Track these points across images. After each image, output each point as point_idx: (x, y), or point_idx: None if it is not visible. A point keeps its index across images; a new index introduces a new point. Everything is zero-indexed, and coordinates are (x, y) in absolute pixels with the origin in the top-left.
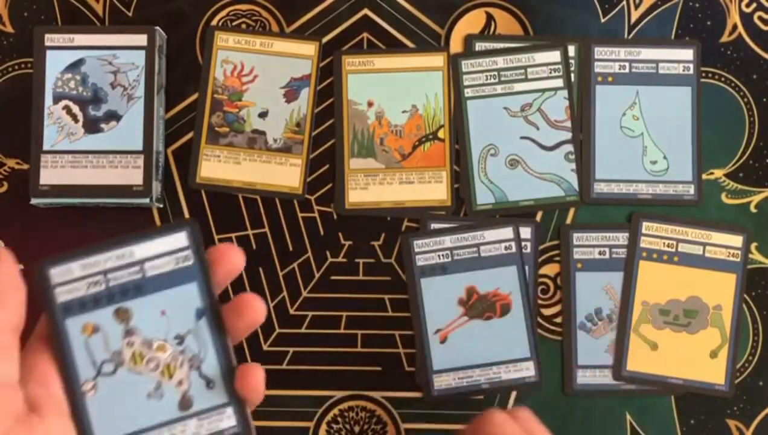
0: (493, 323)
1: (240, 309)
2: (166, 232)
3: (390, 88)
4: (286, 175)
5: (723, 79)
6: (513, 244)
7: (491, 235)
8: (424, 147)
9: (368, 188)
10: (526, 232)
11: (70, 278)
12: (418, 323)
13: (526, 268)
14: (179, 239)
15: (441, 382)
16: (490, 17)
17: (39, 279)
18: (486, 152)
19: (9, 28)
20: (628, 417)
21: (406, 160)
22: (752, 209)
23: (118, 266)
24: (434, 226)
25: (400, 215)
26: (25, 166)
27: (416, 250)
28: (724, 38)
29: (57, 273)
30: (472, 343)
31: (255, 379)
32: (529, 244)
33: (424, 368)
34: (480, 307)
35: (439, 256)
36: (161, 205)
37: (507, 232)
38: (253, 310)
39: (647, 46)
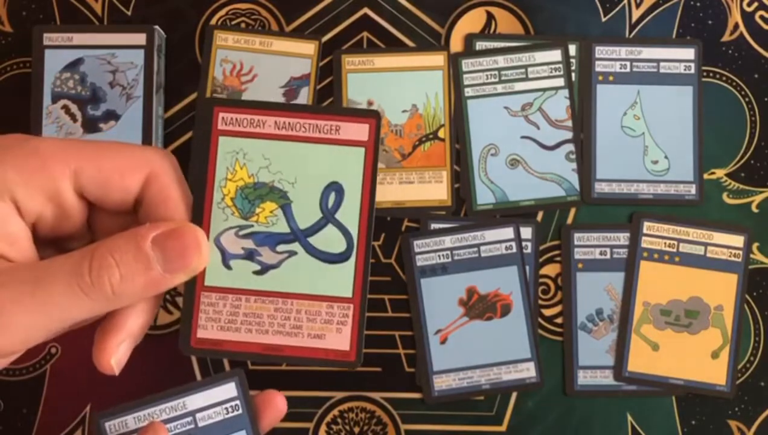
0: (493, 324)
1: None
2: (216, 383)
3: (390, 88)
4: None
5: (724, 78)
6: (513, 244)
7: (491, 235)
8: (424, 147)
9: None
10: (526, 232)
11: (125, 431)
12: (418, 323)
13: (527, 268)
14: (229, 390)
15: (441, 383)
16: (490, 16)
17: (95, 433)
18: (486, 152)
19: (8, 28)
20: (629, 418)
21: (406, 159)
22: (754, 209)
23: (171, 418)
24: (434, 226)
25: (400, 215)
26: None
27: (416, 250)
28: (726, 37)
29: (112, 426)
30: (472, 344)
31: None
32: (529, 244)
33: (424, 369)
34: (480, 307)
35: (439, 256)
36: None
37: (507, 232)
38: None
39: (648, 45)
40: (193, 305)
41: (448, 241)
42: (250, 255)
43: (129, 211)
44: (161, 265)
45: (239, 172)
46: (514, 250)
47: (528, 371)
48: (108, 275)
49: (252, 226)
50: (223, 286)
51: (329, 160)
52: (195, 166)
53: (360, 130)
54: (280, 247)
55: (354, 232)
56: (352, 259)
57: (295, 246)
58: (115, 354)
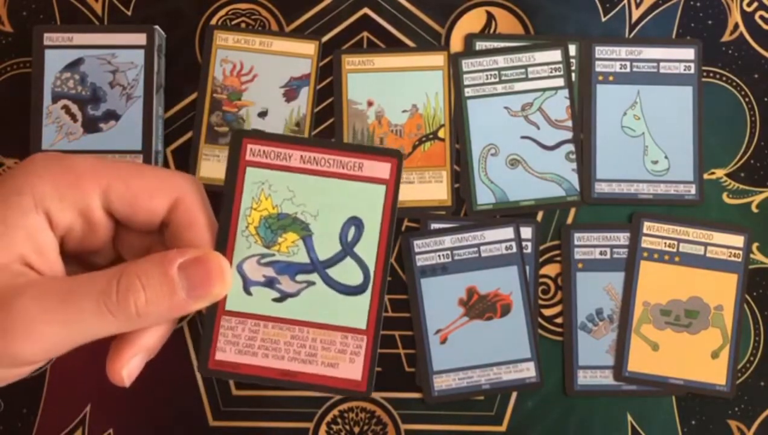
0: (493, 324)
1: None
2: None
3: (390, 88)
4: None
5: (724, 78)
6: (513, 244)
7: (492, 235)
8: (425, 147)
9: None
10: (526, 232)
11: None
12: (418, 323)
13: (527, 268)
14: None
15: (441, 383)
16: (490, 16)
17: None
18: (486, 152)
19: (8, 28)
20: (629, 418)
21: (406, 159)
22: (754, 209)
23: None
24: (434, 226)
25: (400, 215)
26: None
27: (416, 250)
28: (726, 37)
29: None
30: (472, 344)
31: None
32: (529, 244)
33: (424, 369)
34: (480, 307)
35: (439, 256)
36: None
37: (507, 232)
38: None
39: (648, 45)
40: (213, 328)
41: (448, 241)
42: (270, 283)
43: (154, 231)
44: (185, 290)
45: (264, 203)
46: (514, 250)
47: (528, 371)
48: (134, 298)
49: (273, 255)
50: (243, 311)
51: (351, 195)
52: (225, 198)
53: (382, 169)
54: (300, 277)
55: (371, 266)
56: (368, 292)
57: (314, 276)
58: (127, 366)
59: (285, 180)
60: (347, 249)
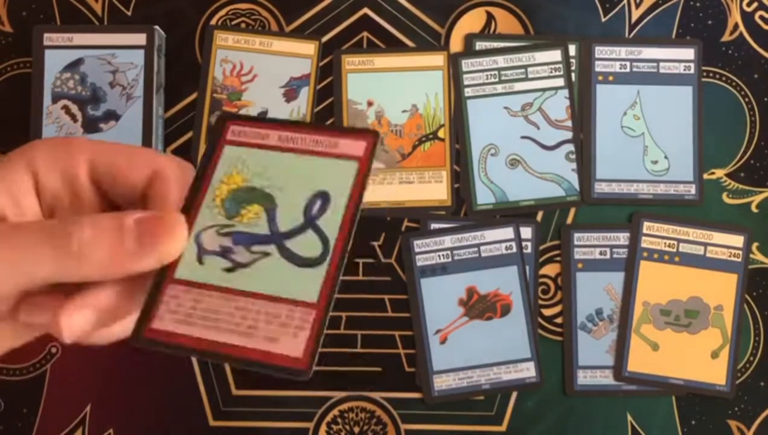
0: (493, 323)
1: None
2: None
3: (390, 88)
4: None
5: (724, 78)
6: (513, 244)
7: (491, 235)
8: (424, 147)
9: (368, 188)
10: (526, 232)
11: None
12: (418, 323)
13: (527, 268)
14: None
15: (441, 383)
16: (490, 16)
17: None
18: (486, 152)
19: (8, 28)
20: (629, 417)
21: (406, 159)
22: (753, 209)
23: None
24: (434, 226)
25: (400, 215)
26: None
27: (416, 250)
28: (725, 37)
29: None
30: (472, 344)
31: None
32: (529, 244)
33: (424, 369)
34: (480, 307)
35: (439, 256)
36: None
37: (507, 232)
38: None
39: (648, 45)
40: (157, 296)
41: (448, 241)
42: (224, 252)
43: (136, 203)
44: (133, 239)
45: (235, 177)
46: (514, 250)
47: (528, 371)
48: (78, 231)
49: (234, 226)
50: (191, 280)
51: (322, 170)
52: (198, 171)
53: (356, 146)
54: (255, 247)
55: (332, 239)
56: (325, 264)
57: (270, 248)
58: (71, 317)
59: (259, 157)
60: (310, 221)
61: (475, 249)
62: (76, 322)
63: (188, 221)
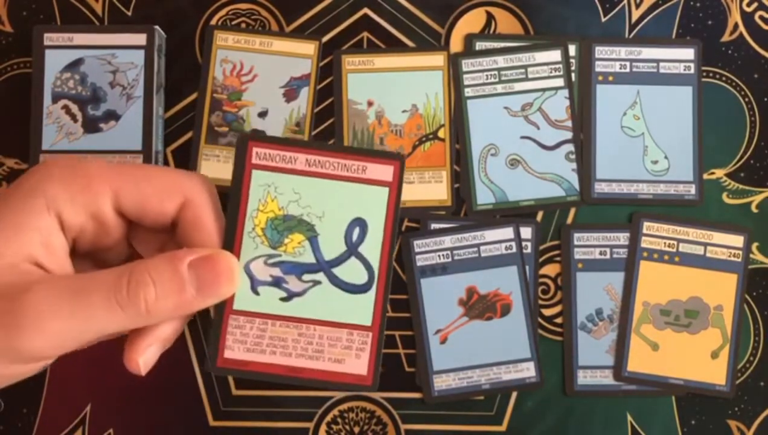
0: (493, 323)
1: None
2: None
3: (390, 88)
4: None
5: (724, 78)
6: (513, 244)
7: (491, 235)
8: (424, 147)
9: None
10: (526, 232)
11: None
12: (418, 323)
13: (527, 268)
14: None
15: (441, 383)
16: (490, 16)
17: None
18: (486, 152)
19: (8, 28)
20: (629, 417)
21: (406, 160)
22: (753, 209)
23: None
24: (434, 226)
25: (400, 215)
26: (24, 166)
27: (416, 250)
28: (725, 38)
29: None
30: (472, 344)
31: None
32: (529, 244)
33: (424, 369)
34: (480, 307)
35: (439, 256)
36: None
37: (507, 232)
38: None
39: (648, 45)
40: (221, 327)
41: (448, 241)
42: (277, 282)
43: (166, 229)
44: (194, 288)
45: (270, 204)
46: (514, 250)
47: (528, 371)
48: (144, 293)
49: (280, 255)
50: (250, 310)
51: (355, 197)
52: (231, 200)
53: (385, 171)
54: (306, 277)
55: (375, 265)
56: (373, 290)
57: (320, 276)
58: (143, 356)
59: (291, 182)
60: (352, 249)
61: (475, 249)
62: (149, 358)
63: (234, 253)
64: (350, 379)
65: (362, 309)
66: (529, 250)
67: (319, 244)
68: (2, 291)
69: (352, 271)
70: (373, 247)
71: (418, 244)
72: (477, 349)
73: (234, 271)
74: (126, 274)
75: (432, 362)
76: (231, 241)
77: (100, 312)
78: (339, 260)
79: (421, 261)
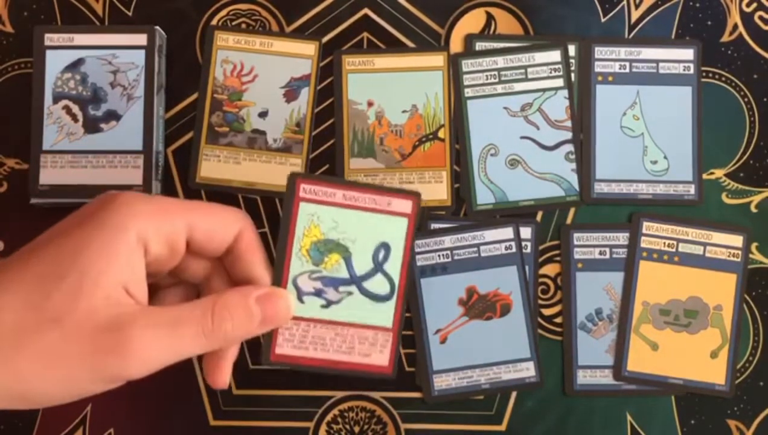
0: (493, 323)
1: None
2: None
3: (390, 88)
4: (286, 175)
5: (723, 78)
6: (513, 244)
7: (491, 235)
8: (424, 147)
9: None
10: (526, 232)
11: None
12: (418, 323)
13: (527, 268)
14: None
15: (441, 383)
16: (490, 17)
17: None
18: (486, 152)
19: (8, 28)
20: (629, 417)
21: (406, 160)
22: (753, 209)
23: None
24: (434, 226)
25: None
26: (25, 166)
27: (416, 249)
28: (725, 38)
29: None
30: (472, 344)
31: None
32: (529, 244)
33: (424, 368)
34: (480, 307)
35: (439, 256)
36: None
37: (507, 232)
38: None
39: (647, 45)
40: (273, 329)
41: (448, 241)
42: (318, 293)
43: (212, 257)
44: (260, 319)
45: (313, 230)
46: (514, 250)
47: (528, 371)
48: (224, 326)
49: (321, 271)
50: (297, 315)
51: (382, 225)
52: (283, 226)
53: (406, 205)
54: (341, 288)
55: (396, 280)
56: (394, 299)
57: (352, 288)
58: (228, 375)
59: (330, 213)
60: (378, 267)
61: (475, 249)
62: (226, 376)
63: (285, 269)
64: (375, 369)
65: (385, 314)
66: (528, 250)
67: (352, 263)
68: (105, 323)
69: (377, 284)
70: (394, 265)
71: (418, 244)
72: (477, 349)
73: (290, 307)
74: (209, 309)
75: (432, 362)
76: (282, 259)
77: (189, 341)
78: (368, 275)
79: (421, 261)
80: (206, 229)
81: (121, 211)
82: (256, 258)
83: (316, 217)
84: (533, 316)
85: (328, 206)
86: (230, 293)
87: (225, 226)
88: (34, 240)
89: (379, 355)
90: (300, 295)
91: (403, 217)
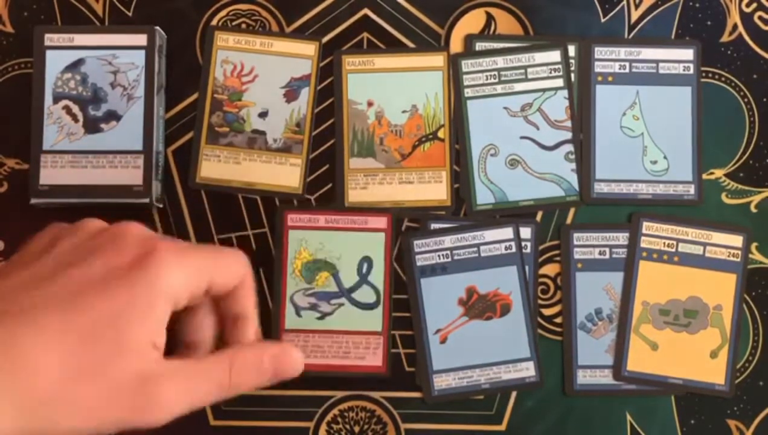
0: (493, 323)
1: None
2: None
3: (390, 88)
4: (286, 175)
5: (723, 78)
6: (513, 244)
7: (491, 235)
8: (424, 147)
9: (368, 188)
10: (526, 232)
11: None
12: (418, 323)
13: (526, 268)
14: None
15: (441, 383)
16: (490, 17)
17: None
18: (486, 152)
19: (9, 28)
20: (629, 417)
21: (406, 159)
22: (752, 209)
23: None
24: (434, 226)
25: (400, 215)
26: (25, 166)
27: (416, 250)
28: (725, 38)
29: None
30: (472, 343)
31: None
32: (529, 244)
33: (424, 368)
34: (480, 307)
35: (439, 256)
36: (161, 205)
37: (507, 232)
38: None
39: (647, 45)
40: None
41: (447, 241)
42: (313, 307)
43: (223, 297)
44: (272, 372)
45: (303, 253)
46: (514, 250)
47: (528, 371)
48: (240, 381)
49: (313, 288)
50: (296, 328)
51: (362, 241)
52: (276, 252)
53: (381, 221)
54: (333, 301)
55: (381, 288)
56: (380, 307)
57: (343, 300)
58: None
59: (316, 236)
60: (363, 279)
61: (475, 249)
62: None
63: (282, 289)
64: (371, 369)
65: (374, 320)
66: (528, 250)
67: (340, 278)
68: (136, 380)
69: (364, 294)
70: (377, 276)
71: (418, 244)
72: (477, 349)
73: (300, 362)
74: (228, 367)
75: (432, 362)
76: (279, 281)
77: (206, 395)
78: (355, 287)
79: (421, 261)
80: (222, 282)
81: (160, 275)
82: (251, 301)
83: (304, 241)
84: (533, 316)
85: (313, 231)
86: (246, 352)
87: (235, 275)
88: (63, 280)
89: (372, 356)
90: (297, 311)
91: (381, 232)
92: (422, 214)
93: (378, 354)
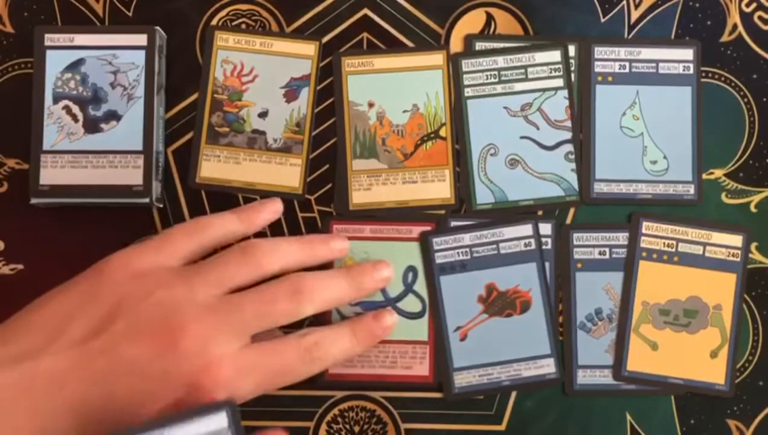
0: (513, 320)
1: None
2: (203, 414)
3: (390, 88)
4: (286, 175)
5: (723, 78)
6: (532, 240)
7: (510, 232)
8: (426, 146)
9: (371, 189)
10: (545, 228)
11: None
12: (438, 321)
13: (546, 264)
14: (218, 421)
15: (462, 380)
16: (490, 17)
17: None
18: (486, 152)
19: (9, 28)
20: (628, 417)
21: (409, 159)
22: (752, 209)
23: None
24: (453, 223)
25: (401, 216)
26: (25, 166)
27: (435, 247)
28: (725, 38)
29: None
30: (492, 341)
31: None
32: (549, 240)
33: (444, 366)
34: (500, 304)
35: (458, 253)
36: (161, 205)
37: (526, 229)
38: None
39: (647, 45)
40: None
41: (467, 238)
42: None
43: None
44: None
45: (348, 262)
46: (533, 246)
47: (548, 367)
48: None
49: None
50: None
51: (407, 251)
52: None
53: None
54: None
55: (425, 297)
56: (426, 315)
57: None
58: None
59: (362, 245)
60: (409, 288)
61: (494, 246)
62: None
63: None
64: (418, 379)
65: (420, 329)
66: (549, 247)
67: (386, 287)
68: None
69: (410, 304)
70: (422, 285)
71: (437, 242)
72: (497, 346)
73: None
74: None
75: (452, 359)
76: None
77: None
78: (400, 297)
79: (440, 258)
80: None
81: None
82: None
83: (350, 251)
84: (553, 313)
85: (359, 241)
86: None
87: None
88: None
89: (419, 366)
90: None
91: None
92: (424, 214)
93: (425, 364)
